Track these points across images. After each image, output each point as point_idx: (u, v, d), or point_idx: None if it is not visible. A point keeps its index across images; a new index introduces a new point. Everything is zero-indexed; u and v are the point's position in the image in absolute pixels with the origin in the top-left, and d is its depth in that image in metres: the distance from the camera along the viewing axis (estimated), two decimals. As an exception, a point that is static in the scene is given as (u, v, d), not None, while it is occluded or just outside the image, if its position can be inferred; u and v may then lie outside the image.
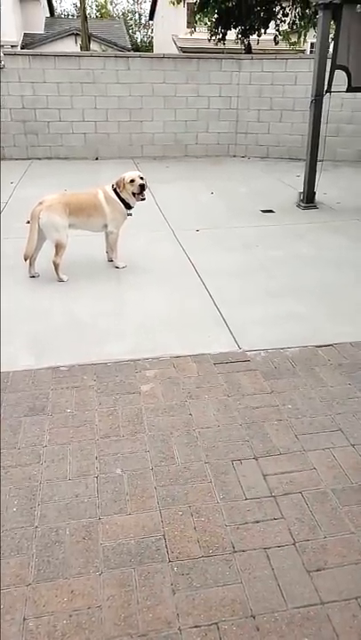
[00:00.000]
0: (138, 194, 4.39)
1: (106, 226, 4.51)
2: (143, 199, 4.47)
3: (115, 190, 4.42)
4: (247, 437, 2.53)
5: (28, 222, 4.30)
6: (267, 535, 2.00)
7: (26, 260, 4.36)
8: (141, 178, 4.38)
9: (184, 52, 17.58)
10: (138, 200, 4.46)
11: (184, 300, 4.03)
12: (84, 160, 10.17)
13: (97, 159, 10.30)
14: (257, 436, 2.54)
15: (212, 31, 16.30)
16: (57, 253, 4.32)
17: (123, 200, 4.44)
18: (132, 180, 4.35)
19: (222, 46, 16.06)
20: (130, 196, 4.41)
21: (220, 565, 1.88)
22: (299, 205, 6.87)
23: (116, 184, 4.41)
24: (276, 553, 1.93)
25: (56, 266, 4.34)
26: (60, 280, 4.35)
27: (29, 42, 24.59)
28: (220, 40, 16.18)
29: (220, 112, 10.52)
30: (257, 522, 2.06)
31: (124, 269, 4.64)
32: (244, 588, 1.80)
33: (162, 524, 2.04)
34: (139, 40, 40.03)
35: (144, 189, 4.38)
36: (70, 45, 22.95)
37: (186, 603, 1.76)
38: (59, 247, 4.30)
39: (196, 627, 1.68)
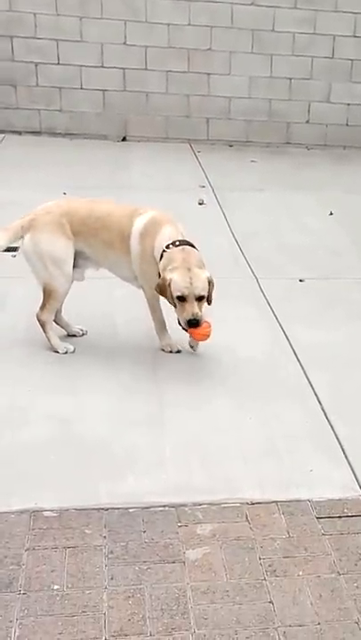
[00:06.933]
0: (184, 326, 3.07)
1: (136, 278, 3.28)
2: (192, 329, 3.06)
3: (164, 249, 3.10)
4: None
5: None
6: None
7: None
8: (195, 321, 2.93)
9: None
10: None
11: (270, 408, 3.07)
12: (100, 140, 7.03)
13: (124, 139, 7.17)
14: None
15: None
16: (44, 304, 3.13)
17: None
18: (181, 298, 2.94)
19: None
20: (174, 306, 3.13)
21: None
22: None
23: (158, 287, 3.09)
24: None
25: (43, 324, 3.17)
26: (56, 351, 3.20)
27: None
28: None
29: (352, 65, 7.19)
30: None
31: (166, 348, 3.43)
32: None
33: None
34: None
35: (195, 326, 2.98)
36: None
37: None
38: (48, 294, 3.11)
39: None
